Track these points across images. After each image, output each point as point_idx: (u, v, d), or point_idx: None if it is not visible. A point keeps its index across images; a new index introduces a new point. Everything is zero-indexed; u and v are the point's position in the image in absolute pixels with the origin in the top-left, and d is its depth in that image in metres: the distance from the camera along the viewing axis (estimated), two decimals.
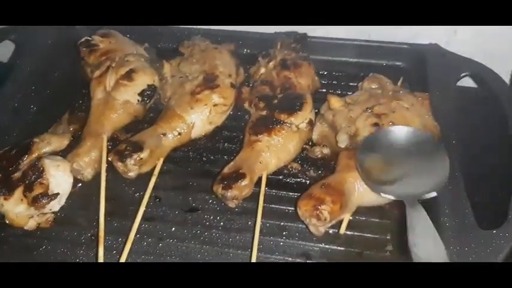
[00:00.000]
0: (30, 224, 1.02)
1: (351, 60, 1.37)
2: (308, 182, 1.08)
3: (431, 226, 0.83)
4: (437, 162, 0.96)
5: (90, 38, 1.31)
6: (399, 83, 1.22)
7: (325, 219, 0.91)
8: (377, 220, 1.01)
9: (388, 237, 0.98)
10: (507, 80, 1.19)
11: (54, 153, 1.11)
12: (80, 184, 1.10)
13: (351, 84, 1.30)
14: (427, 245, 0.80)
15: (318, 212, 0.91)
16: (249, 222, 1.01)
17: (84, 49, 1.30)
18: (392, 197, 0.93)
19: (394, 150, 0.99)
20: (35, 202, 0.99)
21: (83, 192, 1.09)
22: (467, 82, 1.29)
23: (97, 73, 1.23)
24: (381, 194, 0.93)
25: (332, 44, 1.36)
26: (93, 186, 1.08)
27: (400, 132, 1.02)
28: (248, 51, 1.40)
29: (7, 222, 1.01)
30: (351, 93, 1.19)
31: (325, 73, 1.33)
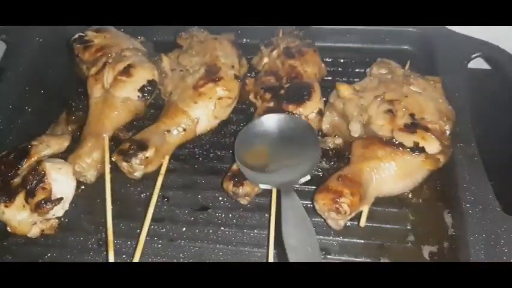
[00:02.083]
0: (34, 231, 0.97)
1: (355, 45, 1.33)
2: (321, 174, 1.04)
3: (305, 215, 0.82)
4: (310, 145, 0.97)
5: (83, 34, 1.26)
6: (407, 67, 1.18)
7: (345, 213, 0.87)
8: (396, 210, 0.97)
9: (408, 227, 0.95)
10: None
11: (54, 156, 1.06)
12: (83, 187, 1.05)
13: (357, 70, 1.26)
14: (300, 234, 0.78)
15: (337, 205, 0.87)
16: (263, 219, 0.98)
17: (78, 46, 1.24)
18: (269, 187, 0.93)
19: (268, 139, 1.00)
20: (38, 208, 0.94)
21: (87, 195, 1.04)
22: (481, 64, 1.26)
23: (93, 70, 1.18)
24: (259, 185, 0.93)
25: (335, 29, 1.32)
26: (97, 188, 1.03)
27: (272, 119, 1.02)
28: (248, 40, 1.36)
29: (9, 230, 0.96)
30: (358, 80, 1.15)
31: (330, 60, 1.29)
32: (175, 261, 0.93)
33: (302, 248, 0.76)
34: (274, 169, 0.95)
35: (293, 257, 0.74)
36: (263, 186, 0.94)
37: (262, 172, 0.94)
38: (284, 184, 0.89)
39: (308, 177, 0.92)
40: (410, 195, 0.98)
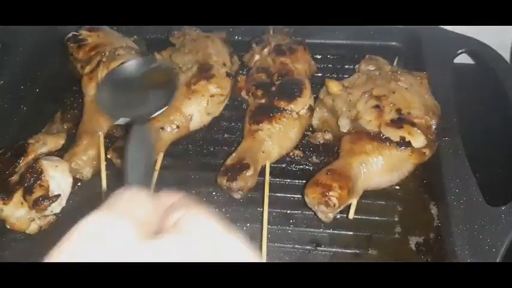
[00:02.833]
0: (32, 228, 0.99)
1: (344, 42, 1.35)
2: (312, 168, 1.07)
3: (151, 154, 0.79)
4: (167, 84, 0.97)
5: (77, 33, 1.28)
6: (395, 63, 1.21)
7: (334, 205, 0.90)
8: (383, 203, 1.01)
9: (395, 219, 0.98)
10: (503, 54, 1.19)
11: (50, 154, 1.08)
12: (79, 183, 1.07)
13: (346, 66, 1.29)
14: (139, 169, 0.68)
15: (326, 198, 0.90)
16: (256, 213, 1.00)
17: (72, 45, 1.26)
18: (124, 119, 0.93)
19: (129, 82, 0.99)
20: (36, 205, 0.96)
21: (83, 192, 1.07)
22: (464, 59, 1.29)
23: (88, 69, 1.19)
24: (117, 119, 0.96)
25: (325, 27, 1.33)
26: (93, 184, 1.06)
27: (131, 65, 1.04)
28: (239, 38, 1.38)
29: (8, 227, 0.99)
30: (347, 76, 1.18)
31: (319, 57, 1.32)
32: None
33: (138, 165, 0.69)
34: (132, 106, 0.93)
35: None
36: (119, 122, 0.97)
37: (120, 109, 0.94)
38: (138, 117, 0.86)
39: (164, 109, 0.92)
40: (397, 188, 1.02)
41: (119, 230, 0.41)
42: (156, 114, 0.90)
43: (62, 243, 0.41)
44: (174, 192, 0.52)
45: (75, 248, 0.40)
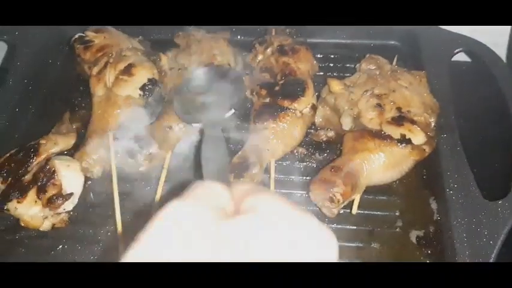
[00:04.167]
0: (45, 225, 1.03)
1: (345, 41, 1.38)
2: (315, 165, 1.11)
3: (224, 153, 0.80)
4: (235, 86, 1.06)
5: (83, 35, 1.31)
6: (394, 62, 1.24)
7: (338, 201, 0.94)
8: (385, 198, 1.04)
9: (397, 213, 1.02)
10: (498, 52, 1.22)
11: (61, 153, 1.11)
12: (90, 182, 1.11)
13: (347, 65, 1.32)
14: (213, 167, 0.74)
15: (330, 194, 0.94)
16: None
17: (79, 46, 1.28)
18: (198, 125, 1.00)
19: (199, 88, 1.08)
20: (49, 203, 0.99)
21: (94, 190, 1.10)
22: (461, 56, 1.32)
23: (95, 70, 1.22)
24: (192, 124, 1.02)
25: (326, 27, 1.36)
26: (103, 183, 1.09)
27: (200, 72, 1.13)
28: (243, 38, 1.41)
29: (22, 224, 1.02)
30: (348, 74, 1.22)
31: (321, 56, 1.35)
32: None
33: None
34: (202, 110, 1.03)
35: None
36: (195, 125, 1.03)
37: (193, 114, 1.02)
38: (210, 120, 0.96)
39: (233, 111, 1.00)
40: (398, 184, 1.05)
41: (195, 214, 0.43)
42: (225, 117, 0.99)
43: (146, 229, 0.43)
44: (246, 183, 0.53)
45: (158, 233, 0.42)
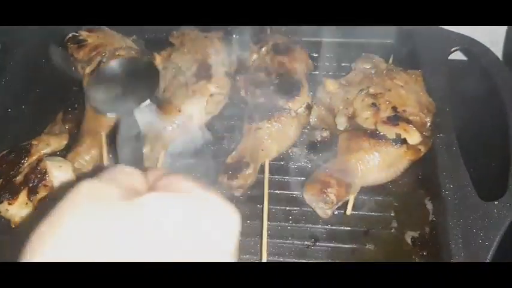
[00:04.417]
0: None
1: (341, 40, 1.37)
2: (310, 165, 1.10)
3: (139, 141, 0.82)
4: (150, 78, 0.99)
5: (77, 34, 1.29)
6: (390, 61, 1.24)
7: (332, 202, 0.93)
8: (380, 198, 1.03)
9: (392, 214, 1.01)
10: (495, 51, 1.21)
11: (53, 154, 1.10)
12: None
13: (342, 65, 1.30)
14: (129, 154, 0.77)
15: (324, 195, 0.93)
16: (256, 210, 1.03)
17: (72, 46, 1.27)
18: (114, 114, 0.95)
19: (116, 80, 1.00)
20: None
21: None
22: (457, 55, 1.31)
23: (88, 69, 1.21)
24: (107, 114, 0.95)
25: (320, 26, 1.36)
26: None
27: (116, 64, 1.04)
28: (237, 37, 1.39)
29: (13, 226, 1.01)
30: (343, 73, 1.21)
31: (316, 55, 1.34)
32: None
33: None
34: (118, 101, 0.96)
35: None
36: (109, 116, 0.98)
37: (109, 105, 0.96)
38: (125, 110, 0.90)
39: (148, 102, 0.93)
40: (393, 184, 1.04)
41: (104, 192, 0.46)
42: (140, 106, 0.92)
43: (61, 201, 0.45)
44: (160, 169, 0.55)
45: (69, 204, 0.45)
